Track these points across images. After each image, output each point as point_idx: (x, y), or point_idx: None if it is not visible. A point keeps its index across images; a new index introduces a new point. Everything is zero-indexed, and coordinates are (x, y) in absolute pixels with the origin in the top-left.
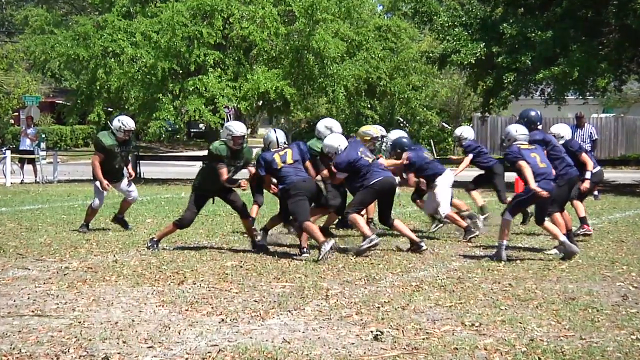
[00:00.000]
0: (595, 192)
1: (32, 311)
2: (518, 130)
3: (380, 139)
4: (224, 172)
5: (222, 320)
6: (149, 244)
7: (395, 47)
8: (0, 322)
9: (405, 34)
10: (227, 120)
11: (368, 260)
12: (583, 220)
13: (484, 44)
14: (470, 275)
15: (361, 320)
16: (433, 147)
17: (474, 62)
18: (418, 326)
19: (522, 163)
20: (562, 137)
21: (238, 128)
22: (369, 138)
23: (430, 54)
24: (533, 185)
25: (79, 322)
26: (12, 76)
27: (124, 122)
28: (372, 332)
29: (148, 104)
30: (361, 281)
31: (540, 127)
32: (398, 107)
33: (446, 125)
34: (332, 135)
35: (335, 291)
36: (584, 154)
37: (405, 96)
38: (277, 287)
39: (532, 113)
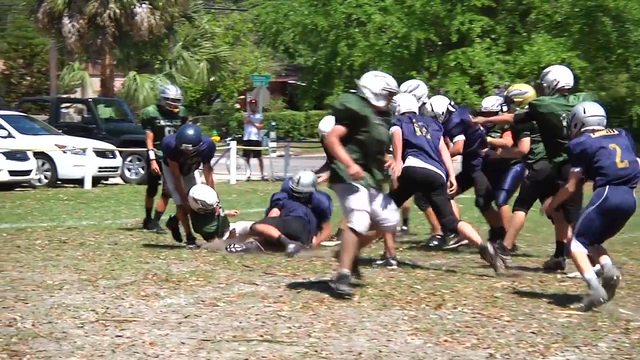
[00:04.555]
0: None
1: (261, 335)
2: (587, 110)
3: None
4: None
5: (491, 355)
6: None
7: None
8: (224, 347)
9: None
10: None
11: None
12: None
13: None
14: None
15: None
16: None
17: None
18: None
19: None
20: None
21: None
22: None
23: None
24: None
25: (316, 351)
26: (238, 51)
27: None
28: None
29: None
30: None
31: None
32: None
33: None
34: None
35: (638, 324)
36: None
37: None
38: (561, 315)
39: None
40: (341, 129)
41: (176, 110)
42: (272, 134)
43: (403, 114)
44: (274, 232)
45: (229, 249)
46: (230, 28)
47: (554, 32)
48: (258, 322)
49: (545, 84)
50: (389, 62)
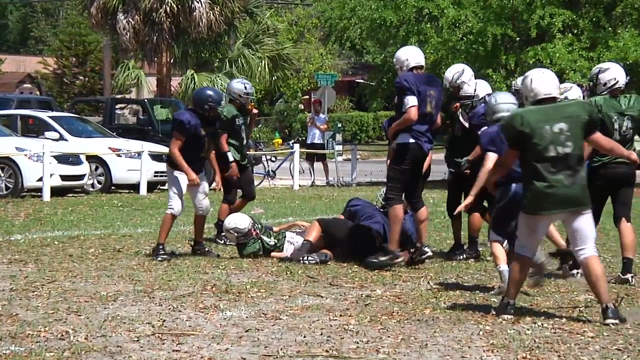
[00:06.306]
0: None
1: (326, 351)
2: (498, 99)
3: None
4: None
5: None
6: None
7: None
8: None
9: None
10: None
11: None
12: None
13: None
14: None
15: None
16: None
17: None
18: None
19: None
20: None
21: None
22: None
23: None
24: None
25: None
26: (302, 48)
27: None
28: None
29: None
30: None
31: None
32: None
33: None
34: None
35: None
36: None
37: None
38: None
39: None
40: None
41: (252, 104)
42: (338, 137)
43: (411, 69)
44: (312, 235)
45: (302, 261)
46: (294, 24)
47: None
48: (323, 337)
49: (601, 82)
50: (462, 60)
